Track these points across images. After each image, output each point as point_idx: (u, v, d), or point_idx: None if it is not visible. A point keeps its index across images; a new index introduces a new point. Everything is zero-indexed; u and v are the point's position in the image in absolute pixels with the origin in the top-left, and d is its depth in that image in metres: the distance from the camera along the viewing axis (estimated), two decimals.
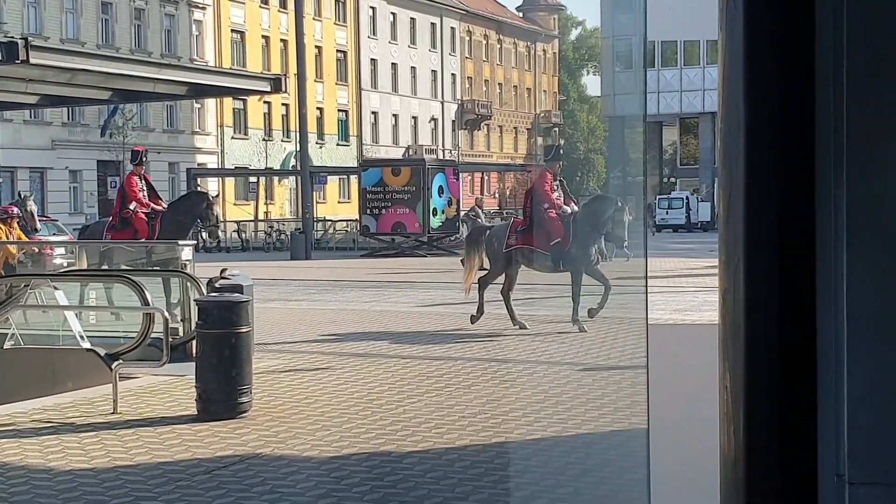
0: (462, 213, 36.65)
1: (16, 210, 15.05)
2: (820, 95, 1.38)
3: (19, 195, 19.90)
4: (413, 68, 69.46)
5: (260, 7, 56.40)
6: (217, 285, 8.84)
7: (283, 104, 55.36)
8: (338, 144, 62.26)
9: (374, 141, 65.61)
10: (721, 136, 1.44)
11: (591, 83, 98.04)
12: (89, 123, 45.61)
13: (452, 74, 73.65)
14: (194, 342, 8.71)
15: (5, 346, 10.23)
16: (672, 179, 60.88)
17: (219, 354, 8.12)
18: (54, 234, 27.39)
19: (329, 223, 42.71)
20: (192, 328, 9.88)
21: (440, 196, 34.33)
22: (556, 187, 13.82)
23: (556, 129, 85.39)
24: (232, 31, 54.65)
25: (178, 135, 51.29)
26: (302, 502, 6.01)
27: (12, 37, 13.91)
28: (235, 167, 52.82)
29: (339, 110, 62.90)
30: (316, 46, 58.40)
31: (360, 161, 47.24)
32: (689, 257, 25.45)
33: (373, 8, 65.22)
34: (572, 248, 13.37)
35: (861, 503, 1.38)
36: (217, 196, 18.20)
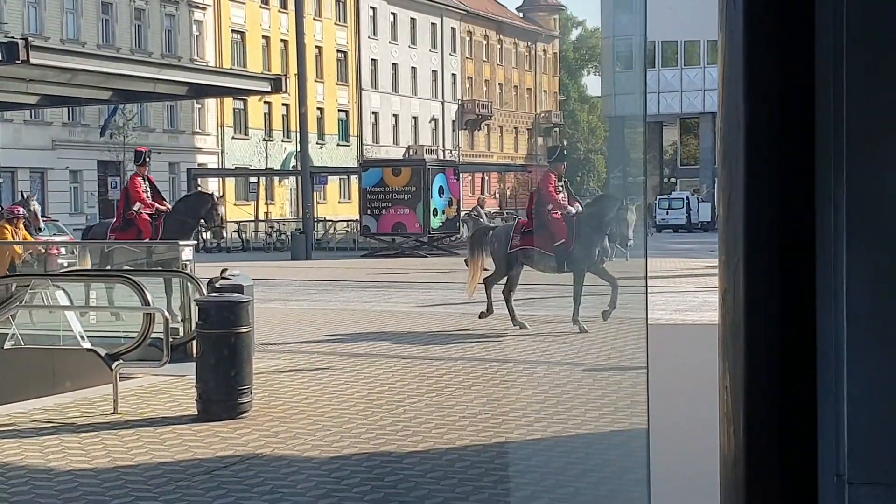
0: (463, 214, 36.66)
1: (21, 210, 15.00)
2: (820, 96, 1.38)
3: (22, 195, 19.86)
4: (413, 68, 69.46)
5: (260, 7, 56.41)
6: (217, 285, 8.84)
7: (283, 104, 55.37)
8: (338, 145, 62.27)
9: (374, 141, 65.62)
10: (721, 136, 1.44)
11: (592, 83, 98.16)
12: (90, 124, 45.62)
13: (453, 74, 73.66)
14: (195, 342, 8.71)
15: (6, 346, 10.23)
16: (672, 180, 60.89)
17: (219, 354, 8.12)
18: (54, 234, 27.38)
19: (329, 223, 42.73)
20: (193, 328, 9.88)
21: (440, 196, 34.34)
22: (560, 188, 13.80)
23: (557, 129, 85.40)
24: (232, 31, 54.66)
25: (179, 135, 51.30)
26: (302, 502, 6.01)
27: (13, 37, 13.92)
28: (236, 167, 52.84)
29: (339, 110, 62.92)
30: (316, 46, 58.41)
31: (360, 161, 47.26)
32: (690, 257, 25.45)
33: (373, 8, 65.24)
34: (576, 249, 13.34)
35: (861, 503, 1.38)
36: (222, 196, 18.16)
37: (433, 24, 71.41)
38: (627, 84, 53.09)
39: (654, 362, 2.67)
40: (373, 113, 65.96)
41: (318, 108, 58.48)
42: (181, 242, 12.95)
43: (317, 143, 56.61)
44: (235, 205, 49.16)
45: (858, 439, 1.37)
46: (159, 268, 13.49)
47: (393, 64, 67.29)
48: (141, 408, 8.59)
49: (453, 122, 73.75)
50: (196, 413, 8.14)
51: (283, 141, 56.85)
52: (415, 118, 69.73)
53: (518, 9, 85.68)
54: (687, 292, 17.42)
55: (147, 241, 14.43)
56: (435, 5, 70.69)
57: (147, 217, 14.86)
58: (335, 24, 62.22)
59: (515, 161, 74.29)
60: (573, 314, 13.05)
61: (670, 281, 19.54)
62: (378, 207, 34.08)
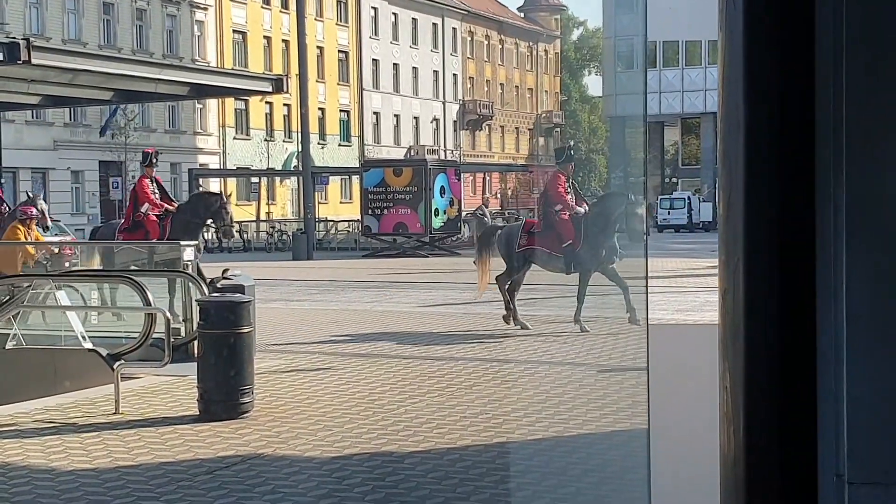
0: (465, 213, 36.66)
1: (34, 211, 14.94)
2: (819, 96, 1.38)
3: (28, 195, 19.83)
4: (415, 68, 69.46)
5: (262, 7, 56.40)
6: (219, 285, 8.85)
7: (284, 104, 55.35)
8: (339, 145, 62.26)
9: (375, 141, 65.62)
10: (721, 136, 1.45)
11: (593, 83, 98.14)
12: (91, 124, 45.63)
13: (454, 75, 73.65)
14: (196, 342, 8.72)
15: (7, 347, 10.24)
16: (674, 179, 60.85)
17: (220, 354, 8.13)
18: (56, 234, 27.41)
19: (331, 223, 42.74)
20: (194, 328, 9.89)
21: (442, 196, 34.34)
22: (569, 189, 13.78)
23: (558, 129, 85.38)
24: (234, 31, 54.65)
25: (180, 135, 51.30)
26: (304, 502, 6.02)
27: (14, 37, 13.92)
28: (237, 168, 52.84)
29: (340, 111, 62.91)
30: (318, 47, 58.42)
31: (361, 161, 47.26)
32: (691, 257, 25.44)
33: (374, 8, 65.23)
34: (583, 250, 13.32)
35: (861, 503, 1.38)
36: (230, 196, 18.19)
37: (434, 25, 71.40)
38: (629, 84, 53.11)
39: (655, 362, 2.67)
40: (374, 113, 65.96)
41: (319, 109, 58.48)
42: (182, 242, 12.96)
43: (318, 144, 56.62)
44: (237, 205, 49.03)
45: (858, 439, 1.37)
46: (162, 268, 13.49)
47: (394, 64, 67.29)
48: (142, 408, 8.60)
49: (454, 122, 73.73)
50: (197, 413, 8.14)
51: (284, 141, 56.85)
52: (416, 118, 69.73)
53: (519, 9, 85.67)
54: (688, 292, 17.41)
55: (154, 241, 14.45)
56: (436, 5, 70.69)
57: (155, 218, 14.89)
58: (336, 24, 62.22)
59: (517, 161, 74.30)
60: (575, 314, 13.04)
61: (671, 281, 19.54)
62: (379, 207, 34.09)
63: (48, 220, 20.16)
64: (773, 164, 1.40)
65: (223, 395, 8.11)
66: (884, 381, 1.37)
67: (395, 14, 67.16)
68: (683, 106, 57.78)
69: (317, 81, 56.80)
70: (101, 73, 12.89)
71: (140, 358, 9.82)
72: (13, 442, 7.46)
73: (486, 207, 36.52)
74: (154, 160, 15.67)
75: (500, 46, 79.38)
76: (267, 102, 54.29)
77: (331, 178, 49.51)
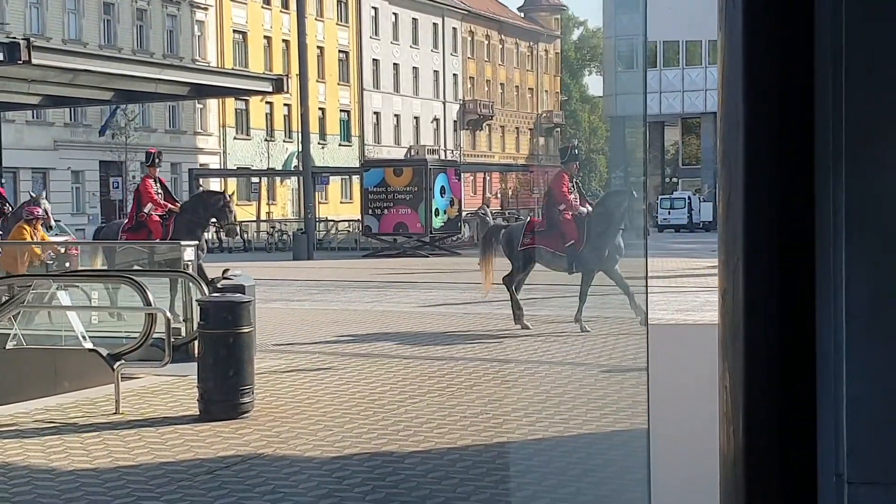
0: (466, 213, 36.65)
1: (40, 211, 14.93)
2: (819, 95, 1.38)
3: (30, 194, 19.82)
4: (415, 68, 69.47)
5: (262, 7, 56.41)
6: (219, 285, 8.85)
7: (285, 104, 55.35)
8: (340, 145, 62.26)
9: (376, 141, 65.62)
10: (720, 136, 1.45)
11: (593, 83, 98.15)
12: (91, 124, 45.62)
13: (454, 74, 73.66)
14: (196, 342, 8.72)
15: (8, 347, 10.24)
16: (674, 179, 60.82)
17: (220, 354, 8.13)
18: (56, 234, 27.40)
19: (331, 223, 42.74)
20: (195, 328, 9.89)
21: (442, 196, 34.35)
22: (573, 188, 13.77)
23: (558, 129, 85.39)
24: (234, 31, 54.65)
25: (181, 135, 51.30)
26: (304, 502, 6.02)
27: (14, 37, 13.93)
28: (238, 168, 52.83)
29: (341, 111, 62.92)
30: (318, 47, 58.42)
31: (362, 161, 47.28)
32: (691, 257, 25.43)
33: (375, 8, 65.24)
34: (586, 250, 13.31)
35: (861, 503, 1.38)
36: (233, 195, 18.18)
37: (435, 25, 71.40)
38: (629, 84, 53.08)
39: (655, 362, 2.67)
40: (374, 113, 65.96)
41: (319, 109, 58.48)
42: (183, 243, 12.97)
43: (318, 144, 56.62)
44: (237, 205, 49.09)
45: (858, 439, 1.37)
46: (163, 268, 13.49)
47: (394, 64, 67.29)
48: (143, 408, 8.60)
49: (455, 122, 73.74)
50: (198, 413, 8.14)
51: (284, 141, 56.86)
52: (416, 118, 69.74)
53: (519, 9, 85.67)
54: (688, 292, 17.41)
55: (157, 241, 14.46)
56: (436, 5, 70.69)
57: (157, 218, 14.90)
58: (337, 24, 62.22)
59: (517, 161, 74.31)
60: (576, 313, 13.03)
61: (672, 281, 19.54)
62: (380, 207, 34.09)
63: (51, 219, 20.18)
64: (773, 164, 1.40)
65: (223, 395, 8.11)
66: (883, 381, 1.37)
67: (395, 14, 67.17)
68: (684, 106, 57.77)
69: (317, 81, 56.80)
70: (101, 73, 12.89)
71: (140, 358, 9.82)
72: (13, 442, 7.47)
73: (488, 207, 36.54)
74: (157, 160, 15.67)
75: (500, 46, 79.38)
76: (267, 102, 54.29)
77: (331, 178, 49.52)
